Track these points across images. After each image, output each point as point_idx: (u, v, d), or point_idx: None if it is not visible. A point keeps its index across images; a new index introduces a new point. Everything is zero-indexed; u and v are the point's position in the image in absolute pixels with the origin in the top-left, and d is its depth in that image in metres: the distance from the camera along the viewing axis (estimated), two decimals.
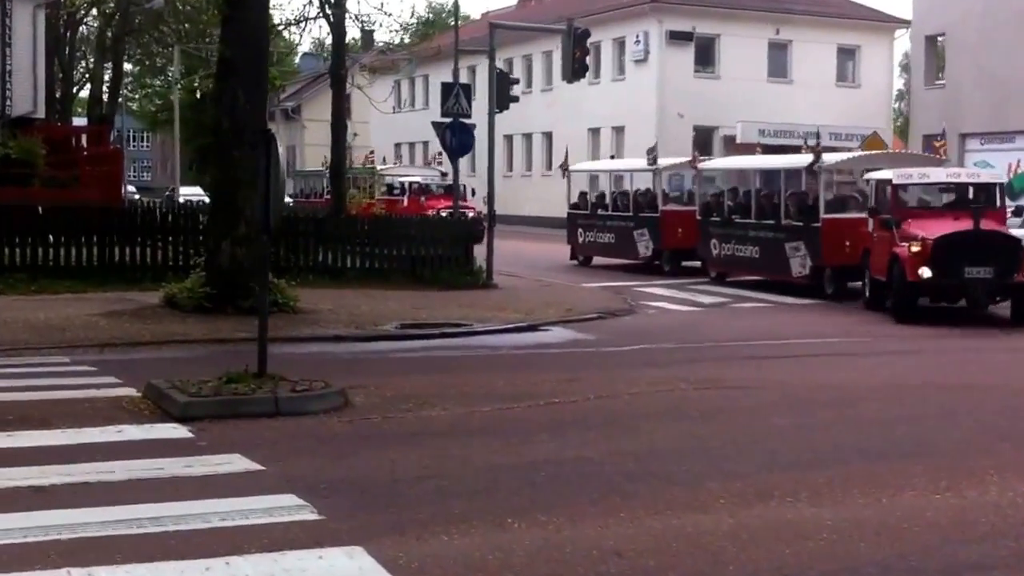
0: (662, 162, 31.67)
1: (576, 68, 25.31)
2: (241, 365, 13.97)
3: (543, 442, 9.57)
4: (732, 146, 47.04)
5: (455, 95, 26.43)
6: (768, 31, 49.28)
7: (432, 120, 28.21)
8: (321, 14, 29.62)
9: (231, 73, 19.18)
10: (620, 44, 50.37)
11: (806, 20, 49.95)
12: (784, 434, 10.24)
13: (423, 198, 45.19)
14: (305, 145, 73.87)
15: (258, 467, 8.53)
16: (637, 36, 48.55)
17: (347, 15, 29.30)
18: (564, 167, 35.52)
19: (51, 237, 23.51)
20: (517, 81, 26.73)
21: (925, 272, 19.40)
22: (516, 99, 26.26)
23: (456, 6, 31.88)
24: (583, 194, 35.43)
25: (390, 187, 48.11)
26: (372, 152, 55.48)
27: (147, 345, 16.16)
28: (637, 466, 8.79)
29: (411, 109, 62.18)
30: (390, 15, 31.71)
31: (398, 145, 65.02)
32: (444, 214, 41.54)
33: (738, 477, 8.50)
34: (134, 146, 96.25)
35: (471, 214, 41.16)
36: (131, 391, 11.82)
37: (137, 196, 59.51)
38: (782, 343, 17.00)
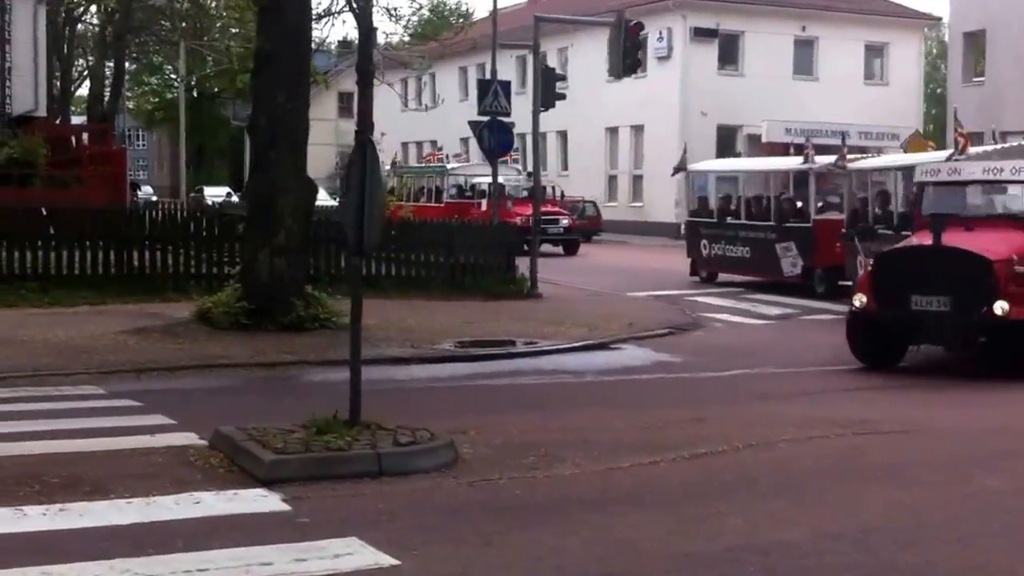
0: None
1: (628, 63, 23.38)
2: (306, 399, 12.29)
3: (723, 516, 7.65)
4: (758, 145, 45.23)
5: (493, 92, 24.58)
6: (794, 27, 47.46)
7: (468, 119, 26.36)
8: (347, 7, 27.59)
9: (270, 68, 17.27)
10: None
11: (833, 16, 48.10)
12: (1007, 501, 8.37)
13: (510, 202, 37.12)
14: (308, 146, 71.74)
15: (389, 560, 6.59)
16: (660, 33, 46.60)
17: (375, 6, 27.30)
18: (681, 167, 30.34)
19: (62, 243, 21.48)
20: (563, 77, 24.78)
21: (859, 300, 14.81)
22: (563, 96, 24.37)
23: (495, 3, 29.84)
24: (703, 199, 29.58)
25: (460, 188, 41.73)
26: (440, 148, 50.97)
27: (187, 371, 14.26)
28: (862, 555, 6.87)
29: (418, 108, 60.16)
30: (421, 7, 29.64)
31: (405, 144, 63.05)
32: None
33: (1000, 572, 6.65)
34: (130, 145, 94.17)
35: (565, 221, 38.45)
36: (192, 437, 9.89)
37: (154, 197, 56.86)
38: (891, 372, 15.11)
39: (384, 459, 8.57)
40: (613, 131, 50.53)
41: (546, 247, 36.78)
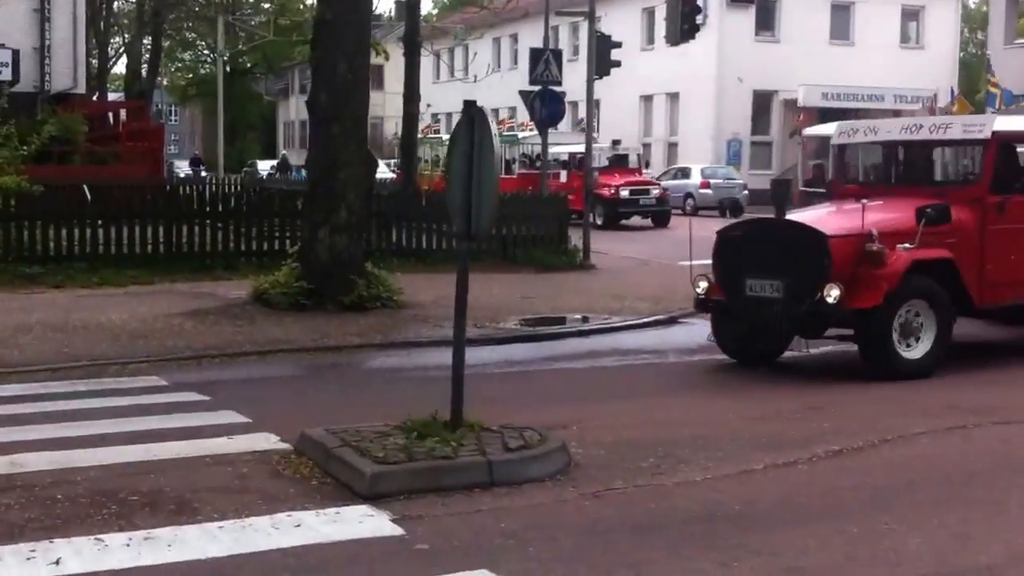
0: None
1: (686, 28, 22.10)
2: (385, 389, 11.24)
3: (895, 535, 6.48)
4: (795, 110, 43.88)
5: (545, 61, 23.37)
6: None
7: (520, 89, 25.15)
8: None
9: (330, 38, 16.07)
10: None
11: None
12: None
13: (596, 173, 32.23)
14: None
15: None
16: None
17: None
18: (796, 132, 28.88)
19: (108, 220, 20.41)
20: (619, 45, 23.46)
21: (700, 284, 12.58)
22: (618, 64, 23.07)
23: None
24: (819, 166, 26.40)
25: (529, 159, 38.65)
26: (511, 115, 48.05)
27: (249, 356, 13.17)
28: None
29: (449, 79, 58.93)
30: None
31: (435, 116, 61.74)
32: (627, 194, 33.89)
33: None
34: (165, 121, 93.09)
35: (656, 192, 35.67)
36: (272, 439, 8.78)
37: (204, 173, 55.02)
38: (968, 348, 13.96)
39: (495, 468, 7.44)
40: (647, 99, 49.19)
41: (635, 219, 35.50)
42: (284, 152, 69.08)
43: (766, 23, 46.09)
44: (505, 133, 41.26)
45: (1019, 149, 13.60)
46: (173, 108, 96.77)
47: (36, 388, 11.27)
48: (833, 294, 11.21)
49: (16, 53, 32.55)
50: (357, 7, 16.35)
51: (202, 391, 11.05)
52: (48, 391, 11.10)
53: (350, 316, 15.41)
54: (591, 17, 22.89)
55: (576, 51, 47.73)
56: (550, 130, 24.43)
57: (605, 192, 33.57)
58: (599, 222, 33.00)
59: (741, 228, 13.42)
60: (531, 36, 54.09)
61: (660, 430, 9.08)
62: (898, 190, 13.24)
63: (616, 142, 38.02)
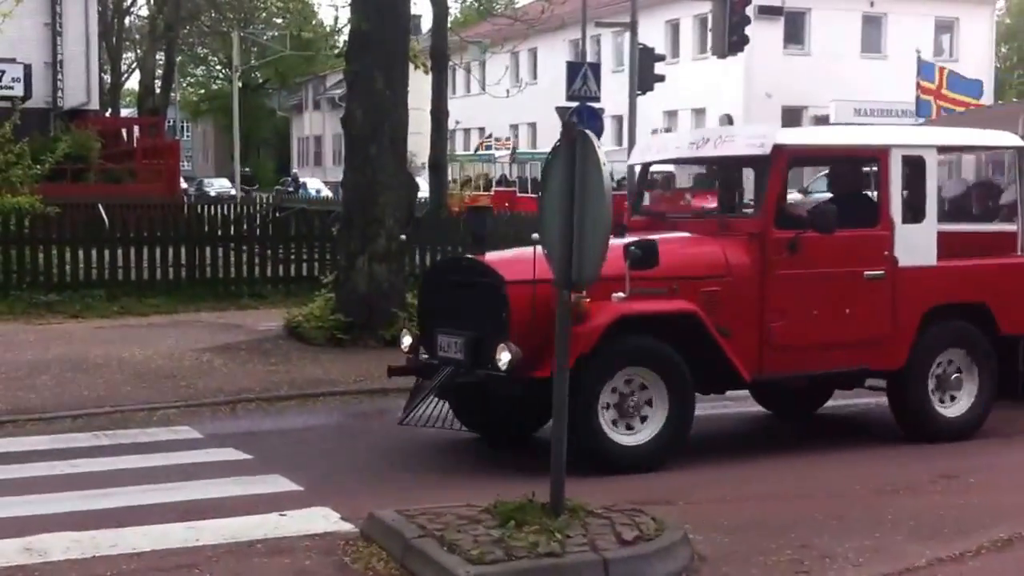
0: None
1: (734, 40, 20.86)
2: (448, 447, 9.90)
3: None
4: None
5: (582, 76, 22.14)
6: (862, 3, 44.65)
7: (556, 105, 23.89)
8: None
9: (367, 50, 14.80)
10: (702, 21, 45.70)
11: None
12: None
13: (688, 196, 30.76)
14: None
15: None
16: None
17: None
18: None
19: (127, 243, 19.13)
20: (662, 58, 22.22)
21: (404, 340, 9.98)
22: (661, 78, 21.83)
23: None
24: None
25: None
26: (531, 132, 46.52)
27: (289, 401, 11.93)
28: None
29: (465, 94, 57.68)
30: None
31: (452, 132, 60.49)
32: None
33: None
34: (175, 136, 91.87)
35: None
36: (332, 517, 7.50)
37: (233, 191, 51.68)
38: None
39: (612, 568, 6.13)
40: (672, 115, 47.88)
41: None
42: (295, 171, 67.68)
43: (795, 36, 44.82)
44: (482, 152, 40.38)
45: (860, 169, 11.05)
46: (185, 124, 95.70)
47: (55, 441, 10.04)
48: (504, 358, 8.52)
49: (28, 68, 31.41)
50: (396, 17, 15.09)
51: (241, 446, 9.79)
52: (69, 445, 9.87)
53: (392, 353, 14.01)
54: (632, 29, 21.74)
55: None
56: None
57: None
58: None
59: (436, 266, 11.57)
60: (550, 51, 53.03)
61: (783, 507, 7.78)
62: (685, 222, 10.53)
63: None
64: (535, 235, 7.49)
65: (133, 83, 63.78)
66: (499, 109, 44.11)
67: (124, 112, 59.37)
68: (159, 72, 53.09)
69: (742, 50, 21.82)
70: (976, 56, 47.33)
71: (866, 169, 10.97)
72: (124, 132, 41.05)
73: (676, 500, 7.82)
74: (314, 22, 65.12)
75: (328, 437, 10.61)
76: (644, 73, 21.24)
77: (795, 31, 44.84)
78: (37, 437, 10.22)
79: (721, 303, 9.21)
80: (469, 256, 9.71)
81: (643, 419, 8.92)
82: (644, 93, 21.45)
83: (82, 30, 34.73)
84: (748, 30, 42.87)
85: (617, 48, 48.76)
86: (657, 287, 9.00)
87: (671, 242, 9.50)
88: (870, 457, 9.53)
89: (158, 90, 51.50)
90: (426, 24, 26.05)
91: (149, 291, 18.54)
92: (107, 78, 50.74)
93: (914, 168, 10.10)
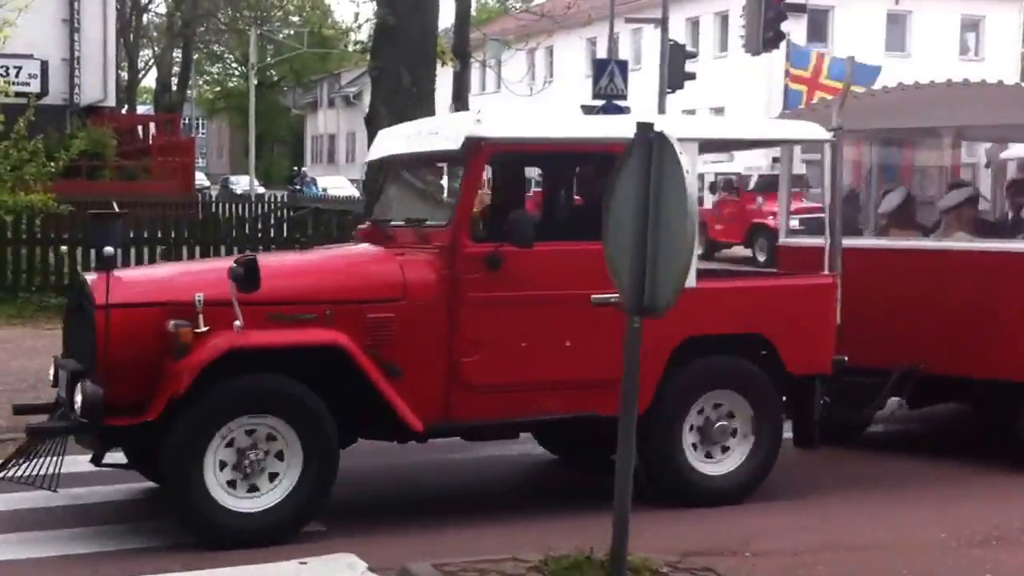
0: None
1: (769, 36, 19.99)
2: (481, 478, 9.04)
3: None
4: None
5: (609, 73, 21.28)
6: (887, 1, 43.71)
7: (581, 103, 23.00)
8: None
9: (392, 46, 13.99)
10: (723, 18, 44.86)
11: None
12: None
13: (760, 197, 27.55)
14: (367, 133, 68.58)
15: None
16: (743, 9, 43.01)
17: None
18: None
19: (143, 245, 18.34)
20: (694, 55, 21.36)
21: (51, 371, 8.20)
22: (692, 76, 20.96)
23: None
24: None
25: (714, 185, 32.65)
26: None
27: None
28: None
29: (481, 92, 56.85)
30: None
31: None
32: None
33: None
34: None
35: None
36: (359, 568, 6.61)
37: (261, 188, 47.72)
38: None
39: None
40: (690, 114, 46.94)
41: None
42: (304, 169, 66.59)
43: (819, 33, 43.85)
44: None
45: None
46: (200, 121, 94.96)
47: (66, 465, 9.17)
48: (79, 399, 6.95)
49: (44, 64, 30.73)
50: (423, 12, 14.28)
51: None
52: (78, 470, 8.98)
53: None
54: (663, 25, 20.81)
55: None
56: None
57: (772, 222, 25.93)
58: (761, 258, 27.35)
59: (72, 284, 9.14)
60: (567, 49, 52.16)
61: (865, 560, 6.90)
62: (403, 231, 8.45)
63: (776, 160, 32.92)
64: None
65: (150, 80, 63.22)
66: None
67: (140, 109, 58.61)
68: (176, 69, 52.46)
69: (777, 47, 20.98)
70: (1003, 54, 46.40)
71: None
72: (140, 129, 40.41)
73: (742, 550, 6.94)
74: (329, 20, 64.42)
75: (347, 468, 9.65)
76: (674, 70, 20.42)
77: (818, 28, 43.90)
78: None
79: (393, 333, 7.40)
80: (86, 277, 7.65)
81: (256, 488, 7.09)
82: (674, 91, 20.60)
83: (100, 27, 34.10)
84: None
85: (636, 45, 47.86)
86: (303, 312, 7.28)
87: (334, 257, 8.18)
88: (941, 495, 8.64)
89: (174, 87, 50.86)
90: (445, 19, 24.99)
91: None
92: (124, 75, 50.08)
93: None
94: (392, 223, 8.57)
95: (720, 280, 8.65)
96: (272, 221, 22.13)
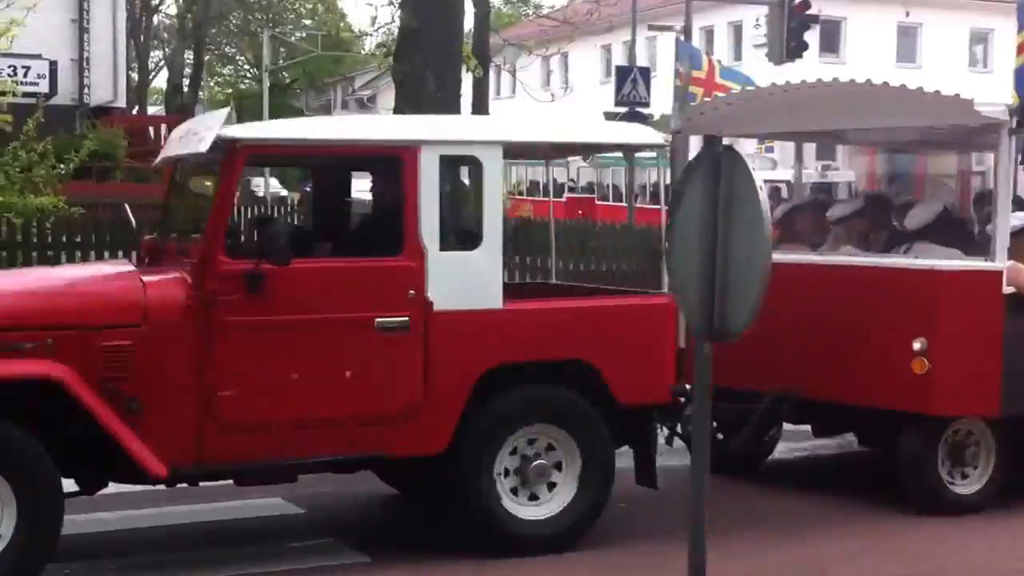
0: None
1: (792, 46, 19.48)
2: None
3: None
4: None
5: (632, 80, 20.78)
6: (898, 13, 43.26)
7: (604, 110, 22.52)
8: None
9: (417, 50, 13.54)
10: (737, 28, 44.38)
11: (937, 1, 43.87)
12: None
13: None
14: None
15: None
16: (757, 19, 42.42)
17: None
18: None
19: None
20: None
21: None
22: None
23: None
24: None
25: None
26: None
27: None
28: None
29: (496, 97, 56.27)
30: None
31: None
32: None
33: None
34: None
35: None
36: None
37: (283, 192, 46.99)
38: None
39: None
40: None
41: None
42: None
43: (830, 45, 43.38)
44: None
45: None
46: None
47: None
48: None
49: (54, 64, 30.27)
50: (447, 15, 13.85)
51: (291, 495, 8.36)
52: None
53: None
54: (686, 33, 20.32)
55: None
56: None
57: None
58: None
59: None
60: (581, 56, 51.56)
61: None
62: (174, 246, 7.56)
63: (827, 166, 29.42)
64: None
65: (160, 81, 62.67)
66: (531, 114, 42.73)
67: (151, 110, 58.11)
68: (187, 71, 51.98)
69: (800, 56, 20.51)
70: (1011, 67, 45.92)
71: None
72: (151, 130, 39.91)
73: None
74: (342, 24, 63.93)
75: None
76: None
77: (830, 40, 43.45)
78: None
79: (132, 363, 6.43)
80: None
81: None
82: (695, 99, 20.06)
83: (109, 27, 33.67)
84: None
85: (651, 52, 47.39)
86: (18, 341, 6.28)
87: (62, 276, 7.28)
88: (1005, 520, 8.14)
89: (186, 89, 50.35)
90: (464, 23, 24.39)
91: None
92: (134, 76, 49.59)
93: (465, 173, 7.72)
94: (171, 235, 7.70)
95: (534, 300, 7.69)
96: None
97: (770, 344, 8.36)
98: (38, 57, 29.28)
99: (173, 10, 52.78)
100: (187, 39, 49.14)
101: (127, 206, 24.33)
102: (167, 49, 55.69)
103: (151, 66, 57.80)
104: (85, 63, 32.68)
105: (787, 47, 19.82)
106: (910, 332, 7.98)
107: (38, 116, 20.15)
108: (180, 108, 47.24)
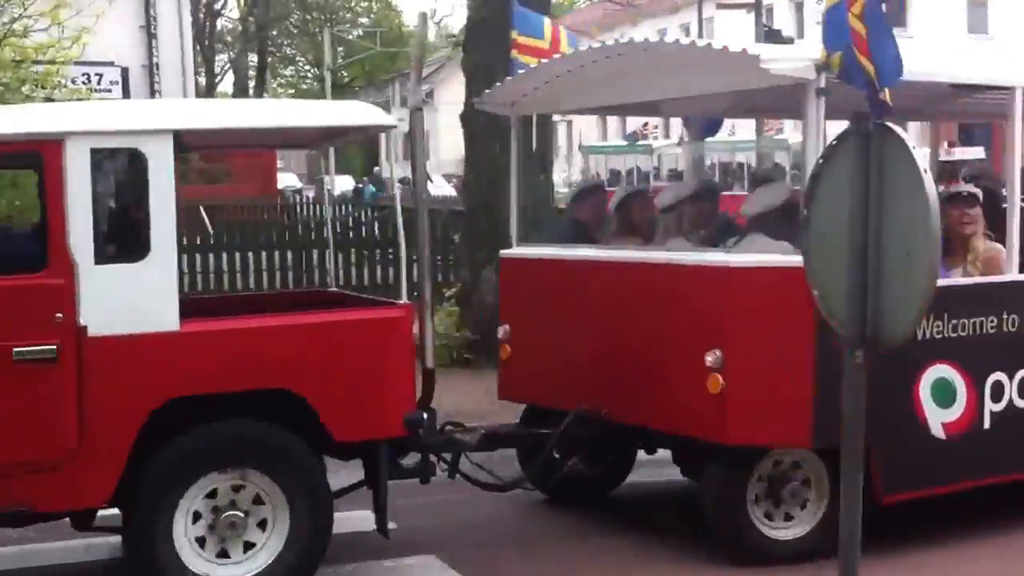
0: None
1: None
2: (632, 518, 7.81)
3: None
4: None
5: None
6: None
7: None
8: None
9: (488, 41, 13.00)
10: (798, 5, 43.32)
11: None
12: None
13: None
14: (441, 131, 67.68)
15: None
16: None
17: None
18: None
19: (231, 250, 17.49)
20: (791, 41, 20.06)
21: None
22: None
23: None
24: None
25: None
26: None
27: None
28: None
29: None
30: None
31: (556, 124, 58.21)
32: None
33: None
34: None
35: None
36: None
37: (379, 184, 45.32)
38: None
39: None
40: None
41: None
42: (377, 169, 65.20)
43: (896, 19, 42.26)
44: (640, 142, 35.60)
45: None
46: None
47: None
48: None
49: (125, 71, 30.14)
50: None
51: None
52: None
53: None
54: (757, 10, 19.53)
55: None
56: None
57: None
58: None
59: None
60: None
61: None
62: None
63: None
64: None
65: (226, 85, 62.77)
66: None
67: None
68: (251, 73, 51.97)
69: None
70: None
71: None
72: None
73: None
74: (398, 20, 63.65)
75: (482, 497, 8.50)
76: None
77: (897, 13, 42.33)
78: None
79: None
80: None
81: None
82: None
83: (176, 33, 33.51)
84: None
85: (708, 34, 46.50)
86: None
87: None
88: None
89: (251, 91, 50.35)
90: None
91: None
92: (202, 80, 49.64)
93: (126, 170, 5.99)
94: None
95: (221, 320, 6.23)
96: (364, 222, 21.37)
97: (568, 356, 7.33)
98: (110, 64, 29.12)
99: (235, 14, 52.80)
100: (250, 42, 49.10)
101: (202, 208, 24.18)
102: (231, 53, 55.74)
103: (217, 69, 57.91)
104: (155, 69, 32.58)
105: None
106: (704, 343, 6.36)
107: None
108: None
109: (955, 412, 6.76)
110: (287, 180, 52.86)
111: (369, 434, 6.19)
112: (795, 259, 5.43)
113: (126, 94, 29.03)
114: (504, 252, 8.24)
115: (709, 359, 6.31)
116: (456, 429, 7.15)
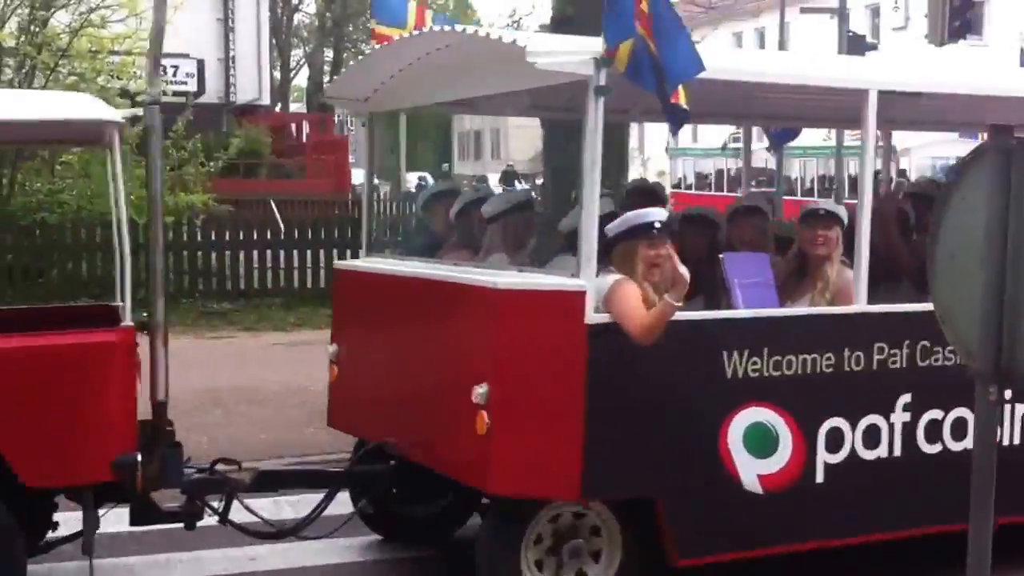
0: None
1: (957, 26, 18.01)
2: None
3: None
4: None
5: None
6: None
7: None
8: None
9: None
10: (874, 10, 42.30)
11: None
12: None
13: None
14: (510, 127, 67.34)
15: None
16: (896, 0, 40.45)
17: None
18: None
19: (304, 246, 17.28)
20: (874, 47, 19.48)
21: None
22: None
23: None
24: None
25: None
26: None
27: None
28: None
29: None
30: None
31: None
32: None
33: None
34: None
35: None
36: None
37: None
38: None
39: None
40: None
41: None
42: (510, 164, 64.14)
43: (971, 25, 41.18)
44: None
45: None
46: (349, 120, 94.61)
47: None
48: None
49: (201, 63, 30.14)
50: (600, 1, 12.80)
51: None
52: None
53: None
54: (840, 15, 18.91)
55: None
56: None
57: None
58: None
59: None
60: (711, 43, 50.05)
61: None
62: None
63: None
64: None
65: (301, 79, 62.77)
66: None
67: (293, 108, 58.22)
68: (327, 68, 51.90)
69: (964, 37, 18.97)
70: None
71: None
72: (293, 127, 39.83)
73: None
74: (476, 17, 63.28)
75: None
76: None
77: (970, 20, 41.20)
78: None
79: None
80: None
81: None
82: None
83: (254, 26, 33.57)
84: (922, 19, 39.55)
85: (784, 38, 45.72)
86: None
87: None
88: None
89: (326, 86, 50.27)
90: None
91: (324, 300, 16.59)
92: (276, 74, 49.63)
93: None
94: None
95: None
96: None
97: (377, 383, 6.50)
98: (186, 56, 29.10)
99: (312, 8, 52.74)
100: (326, 37, 49.04)
101: (272, 203, 24.00)
102: (307, 48, 55.74)
103: (292, 64, 57.91)
104: (231, 62, 32.58)
105: (950, 28, 18.29)
106: (474, 375, 5.41)
107: (188, 115, 19.82)
108: (321, 105, 47.04)
109: (777, 463, 5.74)
110: (361, 176, 52.76)
111: (66, 481, 5.35)
112: (554, 280, 4.75)
113: (201, 87, 29.01)
114: (338, 264, 7.54)
115: (476, 393, 5.33)
116: (230, 468, 6.21)
